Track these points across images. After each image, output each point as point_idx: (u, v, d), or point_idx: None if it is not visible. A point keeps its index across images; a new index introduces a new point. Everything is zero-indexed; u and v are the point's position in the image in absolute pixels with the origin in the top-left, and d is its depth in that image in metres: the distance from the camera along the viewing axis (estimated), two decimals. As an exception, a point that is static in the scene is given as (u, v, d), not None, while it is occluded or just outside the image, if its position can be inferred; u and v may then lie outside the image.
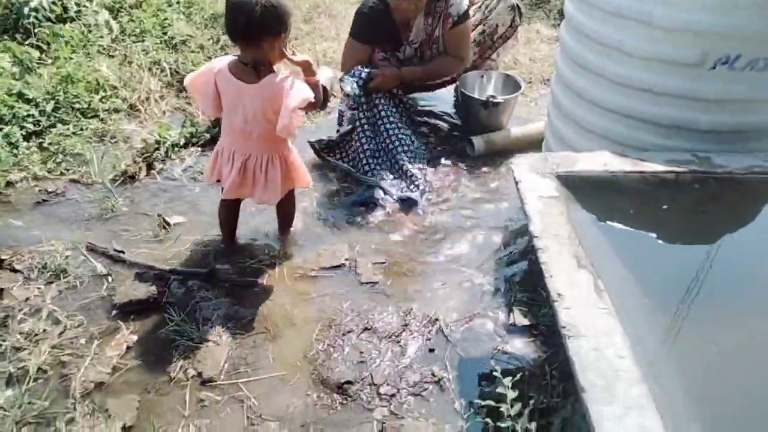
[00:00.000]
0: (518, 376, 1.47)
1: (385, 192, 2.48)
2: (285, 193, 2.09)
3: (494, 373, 1.45)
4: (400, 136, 2.62)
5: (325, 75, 3.23)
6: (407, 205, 2.44)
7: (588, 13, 1.95)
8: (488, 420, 1.43)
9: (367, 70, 2.64)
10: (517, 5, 2.91)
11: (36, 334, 1.80)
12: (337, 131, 2.77)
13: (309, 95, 1.84)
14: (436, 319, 1.86)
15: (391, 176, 2.55)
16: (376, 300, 1.95)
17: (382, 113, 2.66)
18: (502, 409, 1.39)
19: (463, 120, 2.97)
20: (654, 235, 1.56)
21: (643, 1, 1.77)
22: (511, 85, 2.91)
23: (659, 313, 1.31)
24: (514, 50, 3.31)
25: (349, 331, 1.82)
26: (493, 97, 2.73)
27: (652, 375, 1.06)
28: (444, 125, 3.03)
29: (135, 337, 1.82)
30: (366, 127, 2.67)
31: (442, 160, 2.76)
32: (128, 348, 1.79)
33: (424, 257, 2.18)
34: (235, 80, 1.87)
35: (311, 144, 2.73)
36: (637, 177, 1.65)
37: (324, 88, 2.05)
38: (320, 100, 1.97)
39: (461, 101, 2.89)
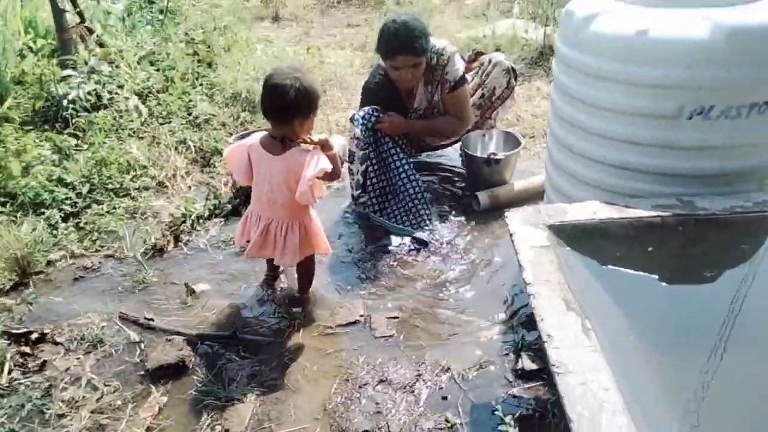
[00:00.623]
0: (525, 416, 1.55)
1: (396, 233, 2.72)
2: (304, 257, 2.25)
3: (502, 416, 1.54)
4: (408, 173, 2.81)
5: (338, 143, 3.45)
6: (417, 245, 2.64)
7: (570, 75, 2.12)
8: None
9: (376, 113, 2.82)
10: (512, 68, 3.12)
11: (76, 401, 1.95)
12: (350, 169, 2.98)
13: (327, 166, 2.04)
14: (448, 368, 1.96)
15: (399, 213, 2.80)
16: (390, 353, 2.06)
17: (391, 151, 2.85)
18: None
19: (468, 178, 3.14)
20: (641, 276, 1.66)
21: (619, 61, 1.94)
22: (511, 141, 3.09)
23: (645, 349, 1.40)
24: (512, 109, 3.51)
25: (365, 384, 1.92)
26: (494, 154, 2.90)
27: (636, 405, 1.15)
28: (452, 176, 3.25)
29: (166, 399, 1.95)
30: (375, 164, 2.86)
31: (452, 216, 2.91)
32: (160, 409, 1.91)
33: (435, 309, 2.29)
34: (265, 152, 2.11)
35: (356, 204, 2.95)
36: (624, 223, 1.76)
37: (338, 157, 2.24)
38: (339, 172, 2.17)
39: (465, 160, 3.07)
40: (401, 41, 2.65)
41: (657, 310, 1.55)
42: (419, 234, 2.71)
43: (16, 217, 2.94)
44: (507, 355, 2.01)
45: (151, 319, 2.29)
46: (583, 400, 1.15)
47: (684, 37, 1.81)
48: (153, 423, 1.86)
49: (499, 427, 1.59)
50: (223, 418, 1.84)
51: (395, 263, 2.58)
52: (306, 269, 2.39)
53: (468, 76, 3.04)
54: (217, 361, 2.09)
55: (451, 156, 3.40)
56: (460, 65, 2.93)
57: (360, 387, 1.91)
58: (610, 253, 1.73)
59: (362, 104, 2.92)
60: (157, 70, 4.58)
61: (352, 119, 2.90)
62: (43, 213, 2.99)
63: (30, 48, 4.54)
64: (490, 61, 3.12)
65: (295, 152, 2.07)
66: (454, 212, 2.94)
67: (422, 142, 3.21)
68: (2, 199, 3.12)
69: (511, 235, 1.72)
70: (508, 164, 2.97)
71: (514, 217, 1.82)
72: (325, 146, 2.10)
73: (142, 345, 2.20)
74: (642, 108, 1.93)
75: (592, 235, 1.75)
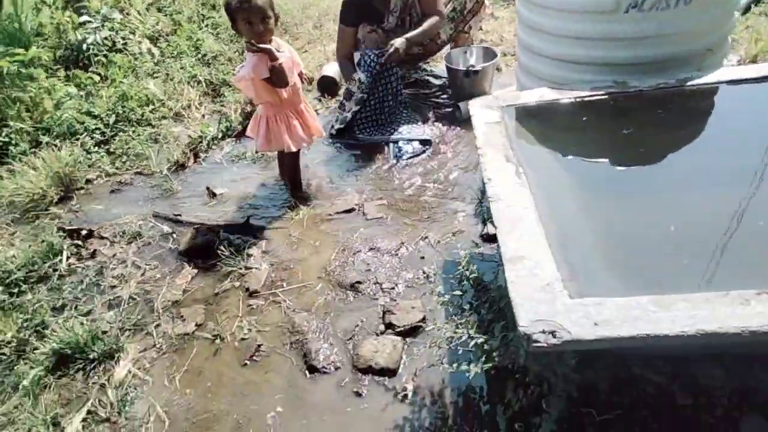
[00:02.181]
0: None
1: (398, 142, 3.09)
2: (283, 155, 2.68)
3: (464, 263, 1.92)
4: (401, 110, 3.19)
5: (333, 68, 3.79)
6: (421, 145, 3.04)
7: (528, -16, 2.42)
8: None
9: (375, 51, 3.14)
10: None
11: (124, 276, 2.39)
12: (341, 107, 3.31)
13: (256, 73, 2.37)
14: (426, 237, 2.35)
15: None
16: (379, 230, 2.46)
17: (396, 89, 3.23)
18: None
19: (451, 90, 3.46)
20: (574, 141, 2.01)
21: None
22: (490, 56, 3.39)
23: (571, 189, 1.76)
24: (483, 22, 3.79)
25: (357, 251, 2.33)
26: (472, 66, 3.21)
27: (548, 220, 1.53)
28: (437, 91, 3.60)
29: (196, 271, 2.38)
30: (374, 104, 3.20)
31: (438, 124, 3.25)
32: (192, 278, 2.35)
33: (419, 197, 2.67)
34: None
35: (331, 134, 3.28)
36: (565, 103, 2.10)
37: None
38: (283, 80, 2.41)
39: (448, 74, 3.38)
40: None
41: (586, 164, 1.91)
42: (413, 135, 3.08)
43: (55, 145, 3.35)
44: (476, 225, 2.39)
45: (178, 215, 2.71)
46: (507, 215, 1.53)
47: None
48: (188, 286, 2.30)
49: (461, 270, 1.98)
50: (243, 281, 2.27)
51: (384, 164, 2.95)
52: (287, 166, 2.79)
53: None
54: (236, 242, 2.50)
55: (439, 73, 3.72)
56: None
57: (354, 254, 2.32)
58: (550, 125, 2.08)
59: (341, 17, 3.31)
60: (165, 15, 4.88)
61: (358, 63, 3.21)
62: (78, 139, 3.40)
63: (43, 1, 4.85)
64: None
65: (247, 55, 2.42)
66: (439, 121, 3.28)
67: (416, 46, 3.53)
68: (41, 132, 3.53)
69: (471, 116, 2.07)
70: (486, 75, 3.28)
71: (475, 103, 2.16)
72: (269, 55, 2.37)
73: (174, 235, 2.62)
74: (587, 5, 2.23)
75: (538, 114, 2.10)
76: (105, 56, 4.23)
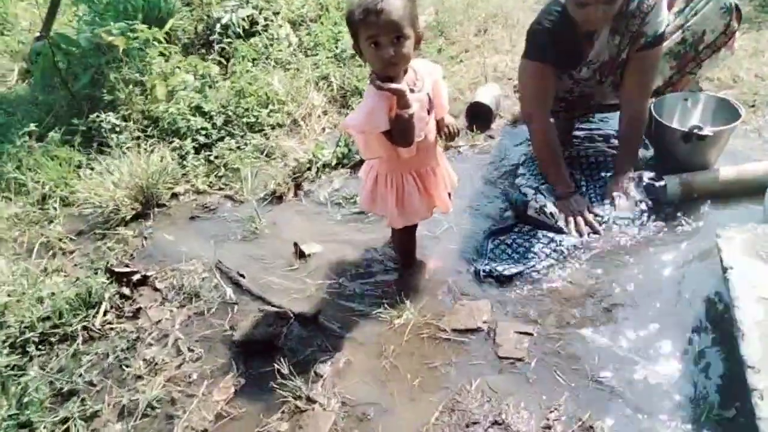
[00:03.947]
0: None
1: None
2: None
3: None
4: None
5: (490, 93, 2.91)
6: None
7: None
8: None
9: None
10: (735, 5, 2.25)
11: (157, 364, 1.78)
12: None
13: (354, 123, 1.60)
14: (591, 427, 1.44)
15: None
16: (514, 383, 1.59)
17: None
18: None
19: (655, 154, 2.42)
20: None
21: None
22: (725, 111, 2.29)
23: None
24: (726, 64, 2.62)
25: (474, 423, 1.49)
26: (698, 128, 2.15)
27: None
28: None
29: (244, 381, 1.70)
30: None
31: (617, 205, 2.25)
32: (236, 391, 1.67)
33: (586, 331, 1.74)
34: None
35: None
36: None
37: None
38: (407, 138, 1.61)
39: (654, 130, 2.34)
40: None
41: None
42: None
43: (154, 143, 2.88)
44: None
45: (243, 276, 2.07)
46: None
47: None
48: (224, 409, 1.62)
49: None
50: (297, 424, 1.54)
51: (546, 260, 2.04)
52: (396, 238, 2.06)
53: (669, 15, 2.28)
54: (307, 346, 1.79)
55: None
56: (664, 16, 2.16)
57: (467, 426, 1.48)
58: None
59: (528, 50, 2.26)
60: (314, -2, 4.30)
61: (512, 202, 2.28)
62: (173, 142, 2.90)
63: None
64: None
65: (367, 90, 1.64)
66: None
67: (589, 103, 2.53)
68: (147, 122, 3.10)
69: (724, 270, 1.13)
70: (717, 143, 2.20)
71: (732, 238, 1.20)
72: (398, 99, 1.57)
73: (236, 308, 1.98)
74: None
75: None
76: (239, 38, 3.73)
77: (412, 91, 1.61)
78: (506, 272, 1.95)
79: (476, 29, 3.73)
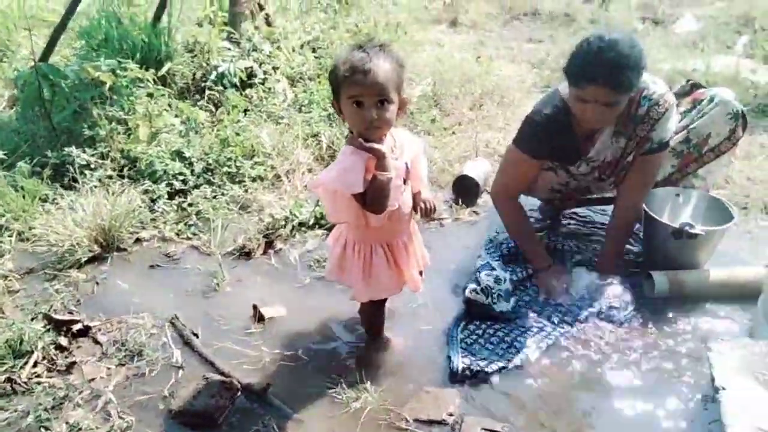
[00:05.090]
0: None
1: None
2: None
3: None
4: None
5: (480, 167, 2.84)
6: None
7: None
8: None
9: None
10: (742, 111, 2.24)
11: (81, 429, 1.58)
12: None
13: (326, 181, 1.50)
14: None
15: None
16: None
17: None
18: None
19: (644, 248, 2.33)
20: None
21: None
22: (716, 211, 2.22)
23: None
24: (727, 170, 2.59)
25: None
26: (689, 225, 2.07)
27: None
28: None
29: (174, 461, 1.51)
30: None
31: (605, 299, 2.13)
32: (162, 475, 1.47)
33: (560, 435, 1.58)
34: None
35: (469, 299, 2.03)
36: None
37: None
38: (379, 205, 1.51)
39: (644, 223, 2.26)
40: (601, 66, 1.81)
41: None
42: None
43: (126, 184, 2.75)
44: None
45: (197, 335, 1.90)
46: None
47: None
48: (144, 493, 1.42)
49: None
50: None
51: (535, 352, 1.88)
52: (363, 311, 1.91)
53: (676, 116, 2.21)
54: (251, 424, 1.60)
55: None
56: (673, 124, 2.12)
57: None
58: None
59: (521, 140, 2.17)
60: (317, 57, 4.32)
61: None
62: (155, 183, 2.78)
63: (210, 19, 4.51)
64: (712, 99, 2.26)
65: (343, 150, 1.54)
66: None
67: (582, 195, 2.46)
68: (125, 162, 2.99)
69: (716, 391, 0.99)
70: (708, 243, 2.12)
71: (722, 353, 1.08)
72: (378, 161, 1.48)
73: (181, 372, 1.79)
74: None
75: None
76: (235, 88, 3.69)
77: (392, 154, 1.52)
78: (488, 369, 1.78)
79: (471, 104, 3.73)
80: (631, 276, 2.20)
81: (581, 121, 2.01)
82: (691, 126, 2.28)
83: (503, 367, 1.79)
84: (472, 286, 2.01)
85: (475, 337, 1.93)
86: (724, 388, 1.01)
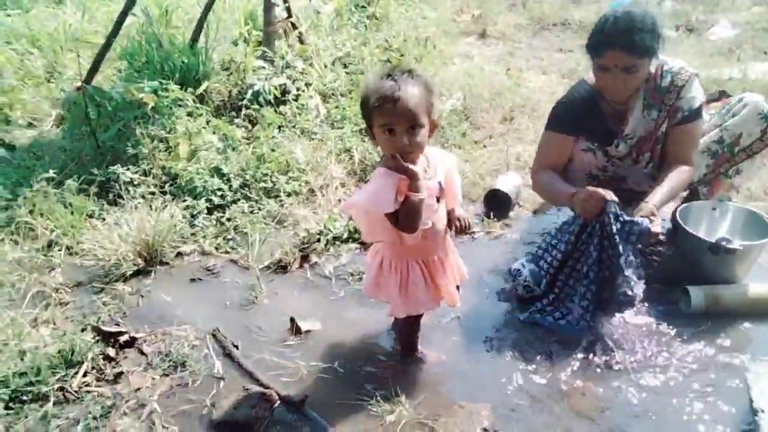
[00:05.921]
0: None
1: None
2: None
3: None
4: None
5: (511, 181, 2.86)
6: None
7: None
8: None
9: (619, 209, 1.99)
10: None
11: (125, 438, 1.66)
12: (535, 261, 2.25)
13: (359, 202, 1.56)
14: None
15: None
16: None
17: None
18: None
19: (680, 262, 2.30)
20: None
21: None
22: (755, 225, 2.19)
23: None
24: (761, 172, 2.54)
25: None
26: (727, 240, 2.05)
27: None
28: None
29: (216, 470, 1.56)
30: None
31: (641, 313, 2.12)
32: (205, 483, 1.53)
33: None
34: None
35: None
36: None
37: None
38: (411, 224, 1.55)
39: (679, 237, 2.24)
40: (616, 31, 1.96)
41: None
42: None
43: (167, 200, 2.86)
44: None
45: (237, 346, 1.97)
46: None
47: None
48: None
49: None
50: None
51: (555, 371, 1.90)
52: (399, 325, 1.94)
53: (705, 115, 2.25)
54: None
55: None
56: (699, 93, 2.17)
57: None
58: None
59: (549, 121, 2.29)
60: (348, 73, 4.40)
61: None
62: (195, 199, 2.88)
63: (245, 38, 4.65)
64: (740, 100, 2.27)
65: (376, 172, 1.59)
66: (646, 307, 2.14)
67: (621, 187, 2.44)
68: (166, 179, 3.11)
69: (754, 413, 1.00)
70: (747, 258, 2.09)
71: (761, 377, 1.08)
72: (410, 181, 1.53)
73: (222, 383, 1.86)
74: None
75: None
76: (270, 105, 3.80)
77: (425, 174, 1.56)
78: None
79: (502, 117, 3.75)
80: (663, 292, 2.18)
81: (606, 92, 2.15)
82: (724, 125, 2.29)
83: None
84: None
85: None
86: (763, 411, 1.01)
